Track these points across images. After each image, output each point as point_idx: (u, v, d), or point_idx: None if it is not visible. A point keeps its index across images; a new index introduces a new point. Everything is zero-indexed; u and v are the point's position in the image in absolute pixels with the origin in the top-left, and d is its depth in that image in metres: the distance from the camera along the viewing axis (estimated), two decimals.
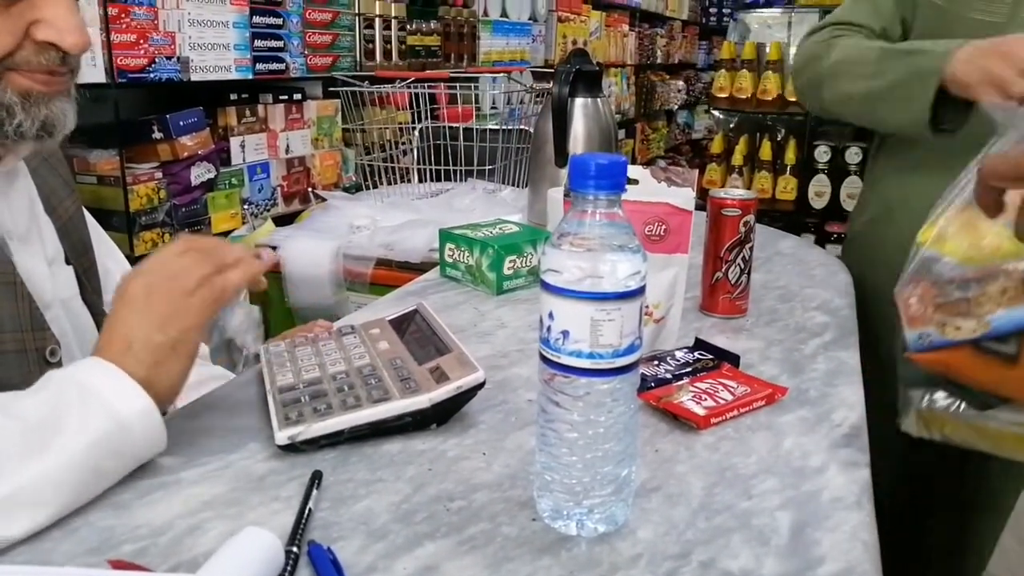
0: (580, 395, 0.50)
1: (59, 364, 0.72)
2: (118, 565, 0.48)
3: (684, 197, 0.81)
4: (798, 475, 0.62)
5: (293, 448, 0.63)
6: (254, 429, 0.68)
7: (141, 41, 1.57)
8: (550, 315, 0.50)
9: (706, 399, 0.72)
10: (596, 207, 0.49)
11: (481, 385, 0.67)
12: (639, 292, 0.49)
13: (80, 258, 0.83)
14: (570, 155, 1.30)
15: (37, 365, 0.70)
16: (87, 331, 0.81)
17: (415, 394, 0.65)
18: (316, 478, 0.59)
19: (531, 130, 1.55)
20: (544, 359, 0.51)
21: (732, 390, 0.74)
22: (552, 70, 1.29)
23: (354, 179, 2.25)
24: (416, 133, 1.79)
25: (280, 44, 1.94)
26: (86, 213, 0.89)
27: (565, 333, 0.49)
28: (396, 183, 1.63)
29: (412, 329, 0.78)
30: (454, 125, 1.77)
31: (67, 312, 0.78)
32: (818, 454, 0.65)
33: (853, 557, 0.52)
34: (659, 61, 5.59)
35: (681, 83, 5.88)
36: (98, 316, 0.83)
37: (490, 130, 1.73)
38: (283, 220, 1.86)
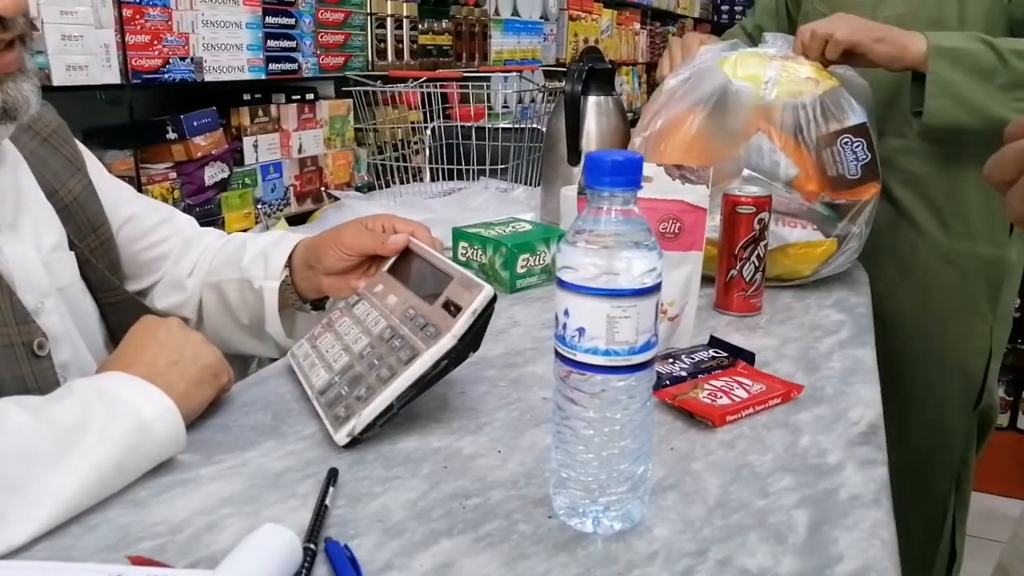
0: (596, 392, 0.50)
1: (48, 358, 0.71)
2: (137, 561, 0.48)
3: (698, 194, 0.81)
4: (815, 473, 0.61)
5: (356, 441, 0.63)
6: (270, 427, 0.68)
7: (155, 42, 1.58)
8: (566, 312, 0.50)
9: (722, 397, 0.72)
10: (612, 204, 0.49)
11: (494, 299, 0.65)
12: (655, 289, 0.49)
13: (88, 237, 0.81)
14: (583, 153, 1.30)
15: (26, 360, 0.69)
16: (87, 316, 0.80)
17: (438, 338, 0.64)
18: (332, 476, 0.59)
19: (543, 129, 1.55)
20: (560, 356, 0.51)
21: (748, 388, 0.74)
22: (564, 69, 1.28)
23: (366, 178, 2.25)
24: (428, 132, 1.79)
25: (293, 44, 1.95)
26: (103, 175, 0.88)
27: (581, 330, 0.49)
28: (408, 182, 1.63)
29: (410, 269, 0.78)
30: (466, 124, 1.77)
31: (66, 299, 0.77)
32: (835, 452, 0.65)
33: (871, 555, 0.51)
34: None
35: None
36: (109, 292, 0.83)
37: (502, 129, 1.73)
38: (296, 219, 1.87)
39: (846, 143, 1.01)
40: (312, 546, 0.50)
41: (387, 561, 0.50)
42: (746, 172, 1.02)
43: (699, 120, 1.05)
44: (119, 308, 0.83)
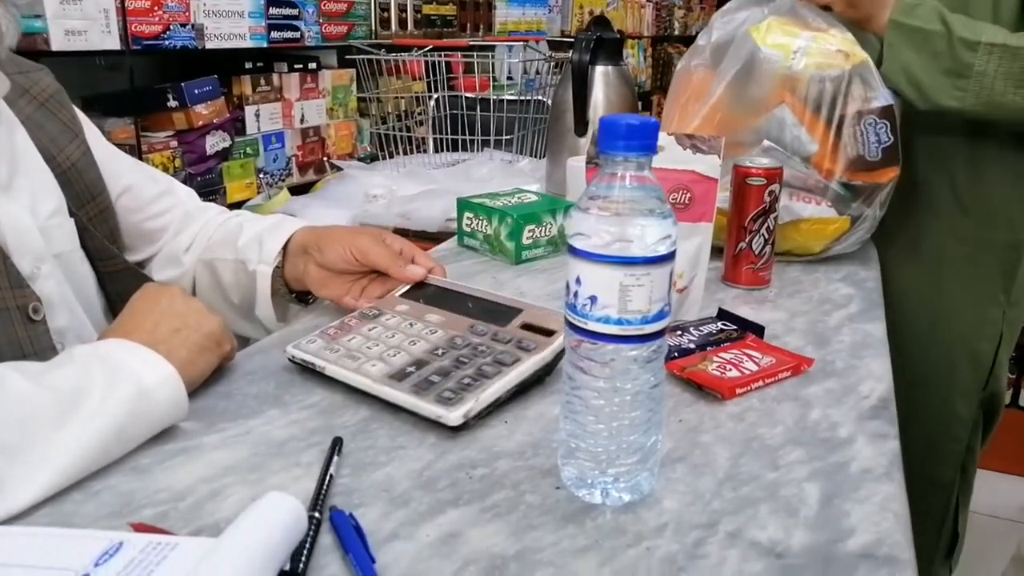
0: (607, 362, 0.49)
1: (43, 323, 0.70)
2: (140, 528, 0.48)
3: (709, 164, 0.80)
4: (826, 446, 0.61)
5: (461, 428, 0.61)
6: (272, 395, 0.67)
7: (156, 8, 1.56)
8: (577, 280, 0.49)
9: (731, 369, 0.71)
10: (626, 169, 0.48)
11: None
12: (669, 257, 0.48)
13: (86, 205, 0.80)
14: (590, 124, 1.28)
15: (21, 324, 0.68)
16: (85, 283, 0.79)
17: (538, 351, 0.66)
18: (337, 444, 0.58)
19: (548, 101, 1.53)
20: (571, 325, 0.50)
21: (757, 361, 0.73)
22: (571, 39, 1.27)
23: (369, 150, 2.23)
24: (432, 103, 1.77)
25: (295, 12, 1.92)
26: (101, 142, 0.86)
27: (593, 298, 0.48)
28: (412, 153, 1.61)
29: (446, 297, 0.78)
30: (470, 95, 1.75)
31: (63, 265, 0.76)
32: (846, 425, 0.64)
33: (884, 528, 0.51)
34: (676, 33, 5.50)
35: None
36: (108, 260, 0.82)
37: (507, 100, 1.71)
38: (298, 190, 1.85)
39: (870, 124, 0.99)
40: (317, 515, 0.50)
41: (393, 531, 0.50)
42: (766, 143, 1.00)
43: (723, 87, 1.03)
44: (118, 277, 0.82)
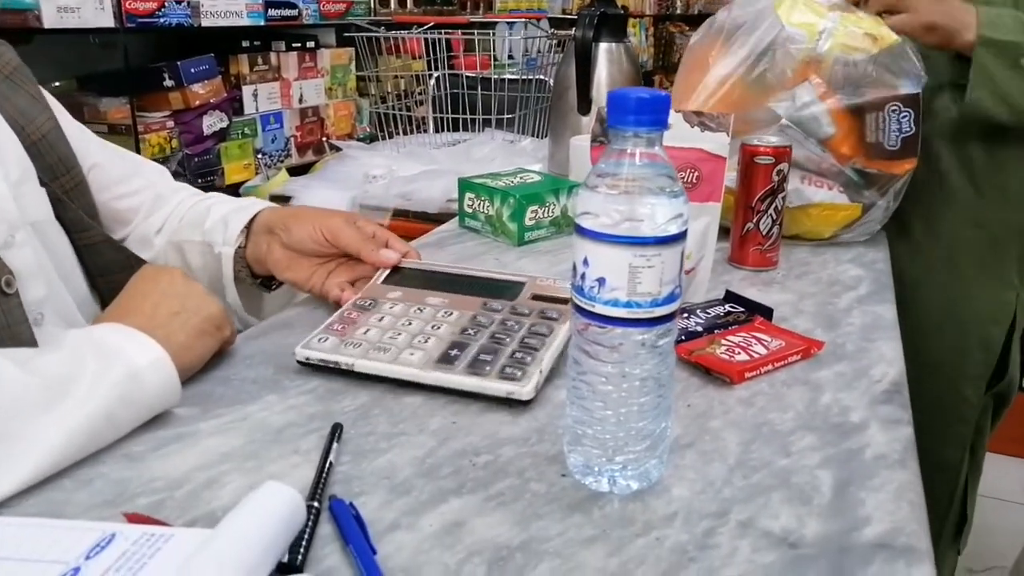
0: (615, 346, 0.47)
1: (16, 296, 0.67)
2: (134, 519, 0.46)
3: (718, 142, 0.78)
4: (838, 432, 0.59)
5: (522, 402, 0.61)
6: (270, 380, 0.66)
7: None
8: (584, 261, 0.47)
9: (739, 353, 0.69)
10: (636, 146, 0.46)
11: None
12: (680, 237, 0.46)
13: (60, 177, 0.77)
14: (593, 102, 1.25)
15: None
16: (63, 255, 0.76)
17: (563, 320, 0.66)
18: (336, 431, 0.57)
19: (549, 80, 1.50)
20: (578, 308, 0.48)
21: (766, 344, 0.71)
22: (573, 17, 1.24)
23: (368, 130, 2.21)
24: (432, 81, 1.74)
25: None
26: (67, 118, 0.83)
27: (601, 280, 0.46)
28: (412, 133, 1.59)
29: (435, 279, 0.76)
30: (471, 74, 1.72)
31: (39, 235, 0.73)
32: (858, 410, 0.62)
33: (900, 517, 0.49)
34: (679, 12, 5.45)
35: None
36: (84, 232, 0.78)
37: (508, 79, 1.68)
38: (297, 171, 1.83)
39: (893, 111, 0.96)
40: (316, 504, 0.48)
41: (394, 520, 0.48)
42: (784, 122, 0.98)
43: (741, 64, 1.00)
44: (96, 249, 0.79)
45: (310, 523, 0.46)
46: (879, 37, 0.98)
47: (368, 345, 0.66)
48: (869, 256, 1.01)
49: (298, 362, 0.66)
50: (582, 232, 0.47)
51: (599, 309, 0.47)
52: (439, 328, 0.67)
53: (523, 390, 0.59)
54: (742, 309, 0.79)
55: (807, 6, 1.01)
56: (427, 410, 0.61)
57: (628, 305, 0.46)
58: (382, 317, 0.69)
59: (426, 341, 0.65)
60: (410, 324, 0.68)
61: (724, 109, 0.98)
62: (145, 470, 0.53)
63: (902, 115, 0.96)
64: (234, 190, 1.67)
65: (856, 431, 0.59)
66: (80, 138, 0.83)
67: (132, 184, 0.88)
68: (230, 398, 0.63)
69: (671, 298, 0.47)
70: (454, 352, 0.64)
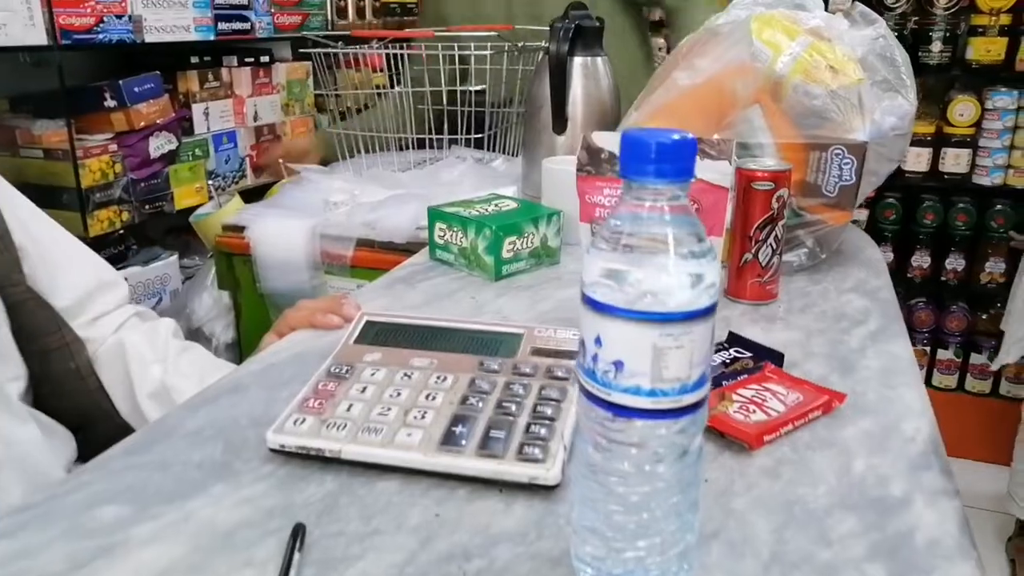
0: (635, 441, 0.39)
1: None
2: None
3: (719, 172, 0.70)
4: (879, 509, 0.51)
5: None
6: (219, 464, 0.56)
7: None
8: (596, 340, 0.38)
9: (755, 411, 0.62)
10: (657, 200, 0.38)
11: None
12: (712, 310, 0.38)
13: None
14: (569, 121, 1.18)
15: None
16: None
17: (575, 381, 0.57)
18: (298, 533, 0.48)
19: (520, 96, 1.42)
20: (588, 395, 0.40)
21: (782, 398, 0.64)
22: (548, 28, 1.16)
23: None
24: (394, 99, 1.64)
25: (244, 1, 1.78)
26: (10, 191, 0.76)
27: (618, 364, 0.38)
28: (374, 152, 1.49)
29: (411, 337, 0.67)
30: (436, 89, 1.63)
31: None
32: (897, 480, 0.55)
33: None
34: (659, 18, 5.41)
35: None
36: (9, 288, 0.72)
37: (474, 92, 1.59)
38: (252, 194, 1.72)
39: (836, 154, 0.89)
40: None
41: None
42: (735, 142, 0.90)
43: (711, 73, 0.92)
44: (22, 308, 0.72)
45: None
46: (841, 72, 0.91)
47: (354, 425, 0.56)
48: (871, 284, 0.95)
49: (271, 450, 0.56)
50: (594, 305, 0.38)
51: (616, 398, 0.38)
52: (435, 399, 0.58)
53: (548, 474, 0.51)
54: (749, 355, 0.71)
55: (782, 25, 0.94)
56: (405, 498, 0.52)
57: (652, 394, 0.38)
58: (364, 388, 0.60)
59: (422, 416, 0.56)
60: (399, 395, 0.59)
61: (676, 119, 0.91)
62: None
63: (844, 161, 0.88)
64: (184, 216, 1.55)
65: (900, 508, 0.52)
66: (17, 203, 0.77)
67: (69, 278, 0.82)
68: (169, 491, 0.53)
69: (701, 381, 0.39)
70: (459, 429, 0.55)
